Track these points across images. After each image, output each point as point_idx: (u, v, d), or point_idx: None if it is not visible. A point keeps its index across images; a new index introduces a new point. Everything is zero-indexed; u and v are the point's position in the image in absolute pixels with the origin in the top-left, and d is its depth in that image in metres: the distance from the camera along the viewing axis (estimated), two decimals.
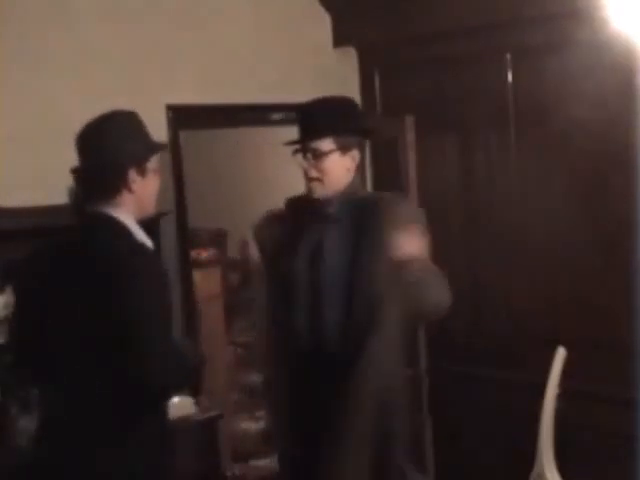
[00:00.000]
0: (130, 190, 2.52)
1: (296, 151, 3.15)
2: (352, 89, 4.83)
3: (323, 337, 3.05)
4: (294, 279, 3.07)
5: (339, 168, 3.08)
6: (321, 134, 3.06)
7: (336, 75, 4.77)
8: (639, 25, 3.55)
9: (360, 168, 3.28)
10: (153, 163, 2.60)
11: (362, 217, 3.07)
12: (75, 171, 2.59)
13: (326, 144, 3.07)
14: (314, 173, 3.07)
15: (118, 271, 2.40)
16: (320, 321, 3.06)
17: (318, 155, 3.06)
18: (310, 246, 3.11)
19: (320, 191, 3.09)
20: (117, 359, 2.35)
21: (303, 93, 4.58)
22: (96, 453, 2.41)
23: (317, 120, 3.12)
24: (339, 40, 4.78)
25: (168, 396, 2.53)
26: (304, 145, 3.10)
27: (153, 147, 2.62)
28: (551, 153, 4.11)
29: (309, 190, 3.10)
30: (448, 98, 4.46)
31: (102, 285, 2.39)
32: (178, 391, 2.53)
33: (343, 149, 3.08)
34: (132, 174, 2.52)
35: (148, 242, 2.56)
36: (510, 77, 4.19)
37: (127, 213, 2.53)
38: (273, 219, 3.27)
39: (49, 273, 2.54)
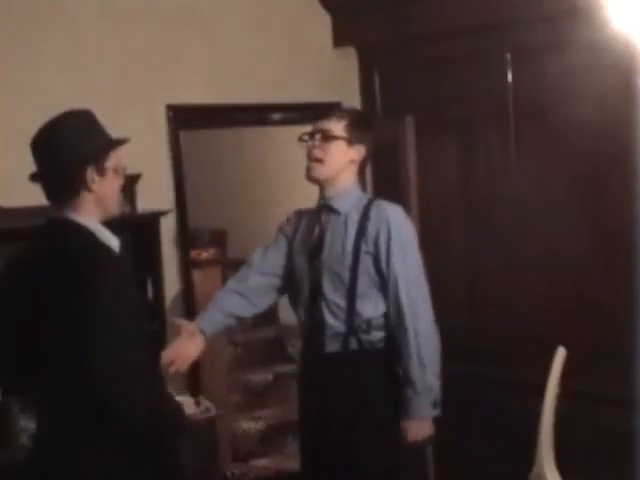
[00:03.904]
0: (89, 190, 2.44)
1: (303, 136, 3.21)
2: (352, 89, 4.84)
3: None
4: None
5: (343, 156, 3.17)
6: (338, 114, 3.21)
7: (336, 75, 4.77)
8: (639, 25, 3.54)
9: (363, 169, 3.34)
10: (113, 161, 2.49)
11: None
12: (33, 177, 2.50)
13: (338, 128, 3.16)
14: (318, 153, 3.15)
15: (72, 274, 2.35)
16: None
17: (326, 137, 3.15)
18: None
19: (318, 171, 3.17)
20: (76, 360, 2.31)
21: (303, 93, 4.62)
22: (74, 453, 2.38)
23: (338, 107, 3.38)
24: (339, 40, 4.78)
25: (123, 403, 2.32)
26: (316, 126, 3.18)
27: (110, 144, 2.51)
28: (551, 153, 4.11)
29: (307, 169, 3.18)
30: (448, 98, 4.45)
31: (58, 288, 2.35)
32: (138, 407, 2.34)
33: (351, 141, 3.17)
34: (90, 173, 2.44)
35: (114, 243, 2.50)
36: (510, 77, 4.19)
37: (88, 215, 2.46)
38: None
39: (15, 278, 2.51)
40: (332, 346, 3.16)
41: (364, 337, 3.15)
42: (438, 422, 3.38)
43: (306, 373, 3.35)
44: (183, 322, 3.29)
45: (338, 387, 3.16)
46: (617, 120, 3.79)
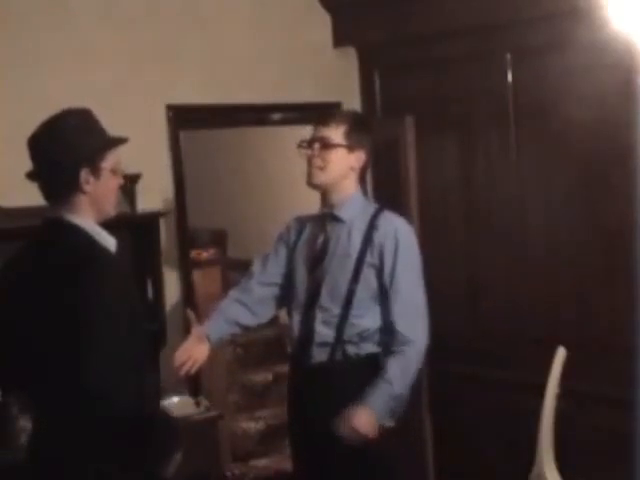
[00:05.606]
0: (83, 191, 2.41)
1: (302, 143, 3.18)
2: (352, 89, 4.84)
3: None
4: None
5: (343, 163, 3.14)
6: (336, 120, 3.16)
7: (336, 75, 4.77)
8: (639, 25, 3.54)
9: (364, 174, 3.32)
10: (110, 162, 2.46)
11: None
12: (29, 175, 2.48)
13: (337, 135, 3.13)
14: (318, 162, 3.12)
15: (70, 275, 2.34)
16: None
17: (326, 145, 3.12)
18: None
19: (320, 178, 3.14)
20: (74, 361, 2.30)
21: (303, 93, 4.62)
22: (72, 454, 2.38)
23: (334, 111, 3.32)
24: (339, 40, 4.78)
25: (121, 404, 2.30)
26: (314, 133, 3.15)
27: (106, 144, 2.46)
28: (551, 153, 4.11)
29: (308, 176, 3.15)
30: (448, 98, 4.46)
31: (57, 289, 2.34)
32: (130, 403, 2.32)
33: (351, 147, 3.14)
34: (84, 174, 2.40)
35: (111, 243, 2.48)
36: (510, 77, 4.19)
37: (84, 215, 2.43)
38: None
39: (13, 278, 2.49)
40: (319, 356, 3.13)
41: (352, 349, 3.12)
42: (438, 421, 3.37)
43: (293, 381, 3.33)
44: (196, 324, 3.25)
45: (322, 397, 3.13)
46: (617, 120, 3.79)
